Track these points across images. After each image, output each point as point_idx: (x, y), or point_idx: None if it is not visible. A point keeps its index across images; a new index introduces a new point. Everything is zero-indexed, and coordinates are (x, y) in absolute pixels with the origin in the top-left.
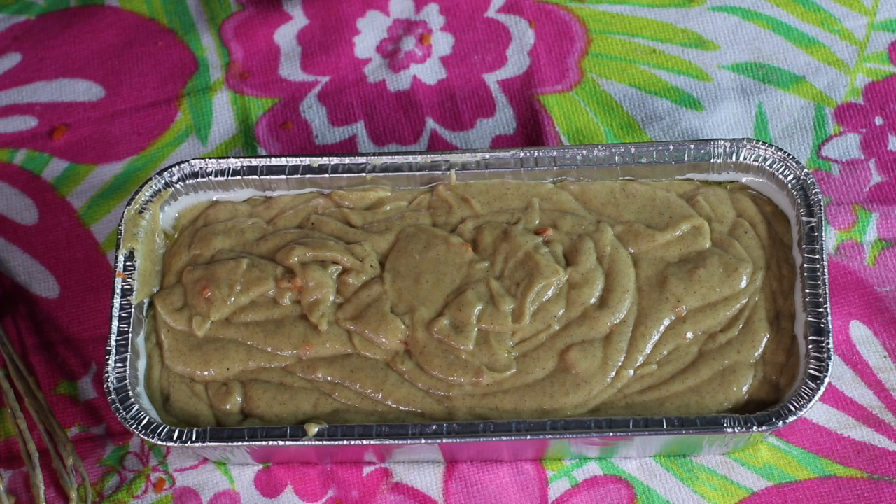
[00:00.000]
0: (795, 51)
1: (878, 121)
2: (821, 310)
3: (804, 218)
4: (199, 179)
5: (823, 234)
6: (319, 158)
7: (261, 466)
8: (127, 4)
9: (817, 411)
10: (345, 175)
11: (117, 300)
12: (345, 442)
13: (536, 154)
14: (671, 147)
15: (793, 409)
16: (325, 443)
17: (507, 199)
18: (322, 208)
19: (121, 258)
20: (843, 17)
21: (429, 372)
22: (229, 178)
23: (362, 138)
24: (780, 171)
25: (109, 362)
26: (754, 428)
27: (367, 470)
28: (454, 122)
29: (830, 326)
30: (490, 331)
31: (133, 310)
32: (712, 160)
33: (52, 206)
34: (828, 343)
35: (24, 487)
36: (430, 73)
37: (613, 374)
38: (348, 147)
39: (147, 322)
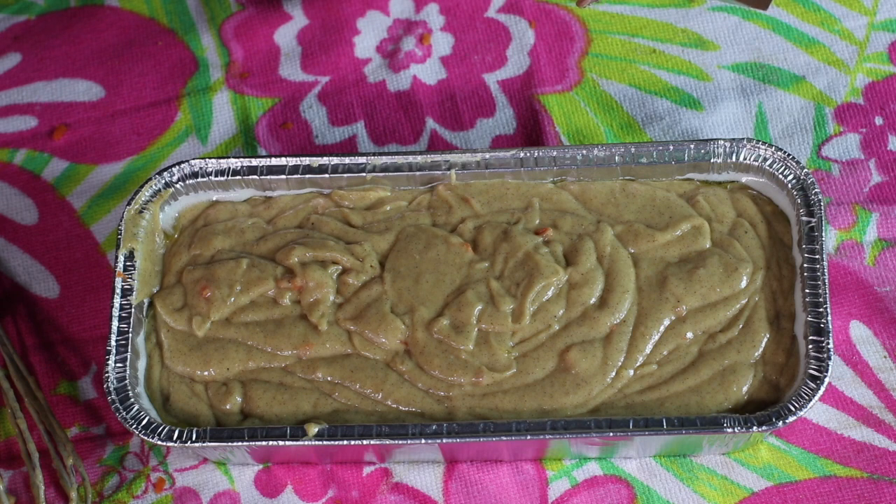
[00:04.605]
0: (795, 51)
1: (878, 121)
2: (821, 310)
3: (804, 218)
4: (199, 179)
5: (823, 234)
6: (319, 158)
7: (261, 466)
8: (127, 4)
9: (817, 411)
10: (345, 175)
11: (117, 300)
12: (345, 442)
13: (536, 154)
14: (671, 147)
15: (793, 409)
16: (325, 443)
17: (507, 199)
18: (322, 208)
19: (121, 258)
20: (843, 17)
21: (429, 372)
22: (229, 178)
23: (362, 138)
24: (780, 171)
25: (109, 362)
26: (754, 428)
27: (367, 470)
28: (454, 122)
29: (830, 326)
30: (490, 331)
31: (133, 310)
32: (712, 160)
33: (52, 206)
34: (828, 343)
35: (24, 487)
36: (430, 73)
37: (613, 374)
38: (348, 147)
39: (147, 322)
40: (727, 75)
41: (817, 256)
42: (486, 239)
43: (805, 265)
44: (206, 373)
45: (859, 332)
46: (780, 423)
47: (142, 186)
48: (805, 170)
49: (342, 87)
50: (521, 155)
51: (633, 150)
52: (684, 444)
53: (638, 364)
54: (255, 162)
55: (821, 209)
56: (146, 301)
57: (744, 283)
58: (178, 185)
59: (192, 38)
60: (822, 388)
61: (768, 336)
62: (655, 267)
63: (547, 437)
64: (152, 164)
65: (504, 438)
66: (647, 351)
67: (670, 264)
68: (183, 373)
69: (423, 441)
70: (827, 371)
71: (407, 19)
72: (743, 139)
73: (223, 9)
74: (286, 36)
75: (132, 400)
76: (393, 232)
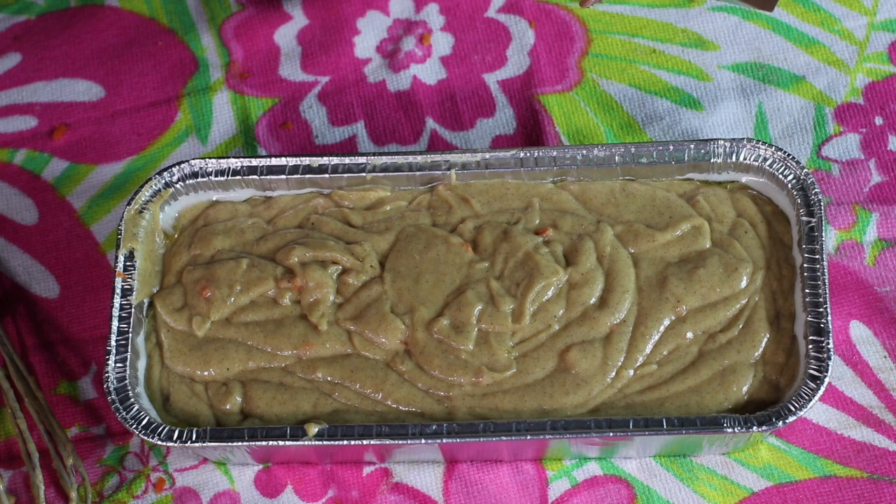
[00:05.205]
0: (795, 51)
1: (878, 121)
2: (821, 310)
3: (804, 218)
4: (199, 179)
5: (823, 234)
6: (319, 158)
7: (261, 466)
8: (127, 4)
9: (817, 411)
10: (345, 175)
11: (117, 300)
12: (345, 442)
13: (536, 154)
14: (671, 147)
15: (793, 409)
16: (325, 443)
17: (507, 199)
18: (322, 208)
19: (121, 258)
20: (843, 17)
21: (429, 372)
22: (229, 178)
23: (362, 138)
24: (780, 171)
25: (109, 362)
26: (754, 428)
27: (367, 470)
28: (454, 122)
29: (830, 326)
30: (490, 331)
31: (133, 310)
32: (712, 160)
33: (52, 206)
34: (828, 343)
35: (24, 487)
36: (430, 73)
37: (613, 374)
38: (348, 147)
39: (147, 322)
40: (727, 75)
41: (817, 256)
42: (486, 239)
43: (805, 265)
44: (206, 373)
45: (859, 332)
46: (780, 423)
47: (142, 186)
48: (805, 170)
49: (342, 87)
50: (521, 155)
51: (633, 150)
52: (684, 444)
53: (638, 364)
54: (255, 162)
55: (821, 209)
56: (146, 301)
57: (744, 283)
58: (178, 185)
59: (192, 38)
60: (822, 388)
61: (768, 336)
62: (655, 267)
63: (547, 437)
64: (152, 164)
65: (504, 438)
66: (647, 351)
67: (670, 264)
68: (183, 373)
69: (423, 441)
70: (827, 371)
71: (407, 19)
72: (743, 139)
73: (223, 9)
74: (286, 36)
75: (132, 400)
76: (393, 232)
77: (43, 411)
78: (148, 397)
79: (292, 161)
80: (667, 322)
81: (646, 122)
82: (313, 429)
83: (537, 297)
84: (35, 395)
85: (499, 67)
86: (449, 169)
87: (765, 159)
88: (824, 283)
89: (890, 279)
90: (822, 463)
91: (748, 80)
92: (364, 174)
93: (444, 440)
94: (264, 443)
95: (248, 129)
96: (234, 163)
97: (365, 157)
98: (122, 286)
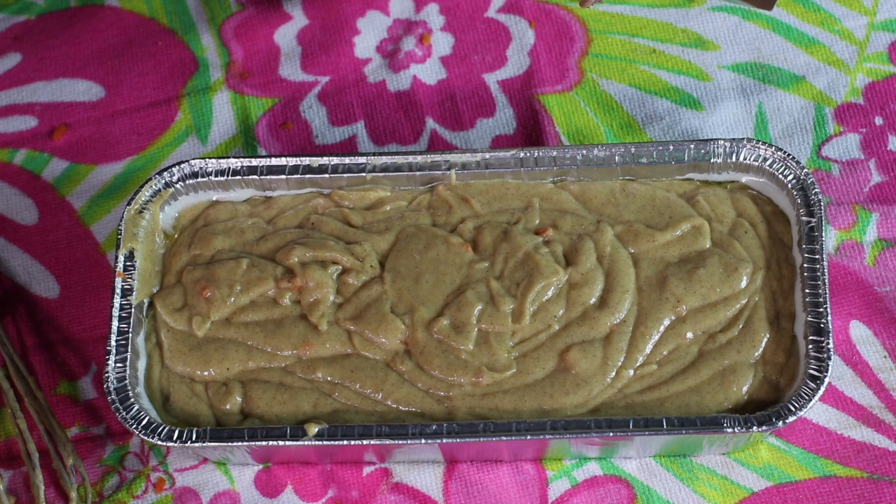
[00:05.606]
0: (795, 51)
1: (878, 121)
2: (821, 310)
3: (804, 218)
4: (199, 179)
5: (823, 234)
6: (319, 158)
7: (261, 466)
8: (127, 4)
9: (817, 411)
10: (345, 175)
11: (117, 300)
12: (345, 442)
13: (536, 154)
14: (671, 147)
15: (793, 409)
16: (325, 443)
17: (507, 199)
18: (322, 208)
19: (121, 258)
20: (843, 17)
21: (429, 372)
22: (229, 178)
23: (362, 138)
24: (780, 171)
25: (109, 362)
26: (754, 428)
27: (367, 470)
28: (454, 122)
29: (830, 326)
30: (490, 331)
31: (133, 310)
32: (712, 160)
33: (52, 206)
34: (828, 343)
35: (24, 487)
36: (430, 73)
37: (613, 374)
38: (348, 147)
39: (147, 322)
40: (727, 75)
41: (817, 256)
42: (486, 239)
43: (805, 265)
44: (206, 373)
45: (859, 332)
46: (780, 423)
47: (142, 186)
48: (805, 170)
49: (342, 87)
50: (521, 155)
51: (633, 150)
52: (684, 444)
53: (638, 364)
54: (255, 162)
55: (821, 209)
56: (146, 301)
57: (744, 283)
58: (178, 185)
59: (192, 38)
60: (822, 388)
61: (768, 336)
62: (655, 267)
63: (547, 437)
64: (152, 164)
65: (504, 438)
66: (647, 351)
67: (670, 264)
68: (183, 373)
69: (423, 441)
70: (827, 371)
71: (407, 19)
72: (743, 139)
73: (223, 9)
74: (286, 36)
75: (132, 400)
76: (393, 232)
77: (43, 411)
78: (148, 397)
79: (292, 161)
80: (667, 322)
81: (646, 122)
82: (313, 429)
83: (537, 297)
84: (35, 395)
85: (499, 67)
86: (449, 169)
87: (765, 159)
88: (824, 283)
89: (890, 279)
90: (822, 463)
91: (748, 80)
92: (364, 174)
93: (444, 440)
94: (264, 443)
95: (248, 129)
96: (234, 163)
97: (365, 157)
98: (122, 286)
